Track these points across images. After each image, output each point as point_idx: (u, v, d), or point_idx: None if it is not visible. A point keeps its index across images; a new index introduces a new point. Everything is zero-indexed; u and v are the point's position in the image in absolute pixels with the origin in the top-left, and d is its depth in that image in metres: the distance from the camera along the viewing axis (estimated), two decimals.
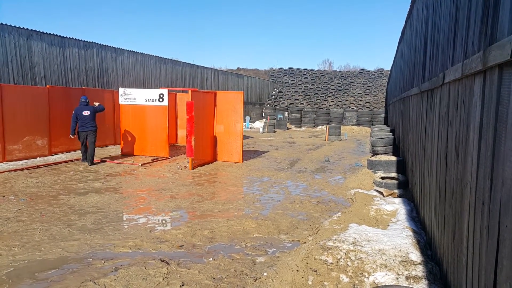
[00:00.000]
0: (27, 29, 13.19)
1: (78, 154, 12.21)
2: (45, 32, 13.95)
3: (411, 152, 6.96)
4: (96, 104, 11.09)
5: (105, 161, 11.12)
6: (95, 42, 16.44)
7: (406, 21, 9.26)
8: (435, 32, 4.41)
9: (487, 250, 2.07)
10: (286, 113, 29.73)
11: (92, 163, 10.60)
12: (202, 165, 10.86)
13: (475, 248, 2.33)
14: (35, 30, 13.54)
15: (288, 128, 27.55)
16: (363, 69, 38.91)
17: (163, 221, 5.95)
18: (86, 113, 10.51)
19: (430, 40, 4.81)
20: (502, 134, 1.89)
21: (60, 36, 14.63)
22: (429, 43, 4.95)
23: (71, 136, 10.71)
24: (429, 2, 5.16)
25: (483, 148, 2.24)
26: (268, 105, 34.10)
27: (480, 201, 2.26)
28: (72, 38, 15.22)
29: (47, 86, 12.36)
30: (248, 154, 13.27)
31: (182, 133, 15.31)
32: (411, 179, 6.93)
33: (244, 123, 26.86)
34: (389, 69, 22.22)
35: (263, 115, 30.16)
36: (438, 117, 3.95)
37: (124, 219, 6.05)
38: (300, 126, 29.25)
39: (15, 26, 12.70)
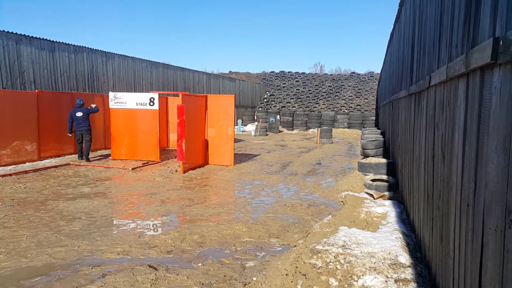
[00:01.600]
0: (16, 33, 13.06)
1: (67, 158, 12.10)
2: (34, 36, 13.82)
3: (400, 154, 6.99)
4: (93, 106, 12.23)
5: (94, 166, 11.02)
6: (85, 47, 16.33)
7: (394, 25, 9.34)
8: (422, 35, 4.44)
9: (472, 252, 2.07)
10: (278, 116, 29.75)
11: (88, 160, 11.70)
12: (193, 168, 10.81)
13: (461, 251, 2.33)
14: (24, 35, 13.40)
15: (280, 131, 27.58)
16: (354, 72, 39.14)
17: (153, 226, 5.90)
18: (79, 114, 11.58)
19: (417, 43, 4.85)
20: (485, 136, 1.90)
21: (49, 40, 14.50)
22: (416, 46, 4.98)
23: (69, 134, 11.82)
24: (415, 5, 5.20)
25: (467, 150, 2.25)
26: (260, 108, 34.13)
27: (465, 203, 2.26)
28: (62, 42, 15.10)
29: (36, 90, 12.24)
30: (240, 158, 13.25)
31: (173, 136, 15.22)
32: (401, 181, 6.96)
33: (236, 127, 26.83)
34: (379, 72, 22.40)
35: (255, 118, 30.15)
36: (425, 119, 3.97)
37: (113, 224, 5.99)
38: (292, 129, 29.30)
39: (3, 31, 12.57)
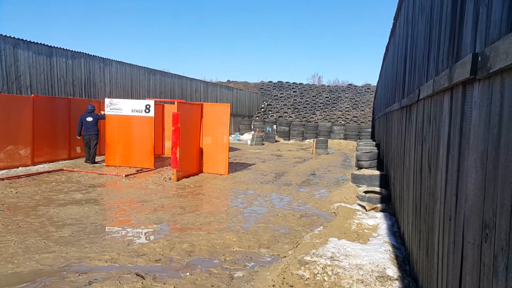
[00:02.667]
0: (13, 37, 13.09)
1: (61, 164, 12.04)
2: (32, 41, 13.85)
3: (393, 167, 7.01)
4: (102, 112, 12.76)
5: (87, 172, 10.98)
6: (83, 52, 16.37)
7: (389, 38, 9.43)
8: (413, 49, 4.49)
9: (453, 266, 2.08)
10: (275, 126, 29.82)
11: (94, 162, 12.39)
12: (187, 176, 10.78)
13: (443, 264, 2.33)
14: (22, 39, 13.43)
15: (276, 141, 27.60)
16: (351, 84, 39.40)
17: (142, 234, 5.86)
18: (89, 119, 12.25)
19: (409, 56, 4.90)
20: (466, 150, 1.92)
21: (47, 45, 14.53)
22: (408, 59, 5.03)
23: (78, 137, 12.52)
24: (408, 19, 5.27)
25: (450, 164, 2.27)
26: (257, 118, 34.20)
27: (448, 216, 2.27)
28: (60, 47, 15.13)
29: (32, 95, 12.22)
30: (235, 167, 13.23)
31: (168, 144, 15.20)
32: (393, 193, 6.97)
33: (232, 136, 26.85)
34: (376, 84, 22.56)
35: (252, 127, 30.21)
36: (414, 132, 4.00)
37: (103, 231, 5.94)
38: (289, 139, 29.35)
39: (1, 35, 12.59)
